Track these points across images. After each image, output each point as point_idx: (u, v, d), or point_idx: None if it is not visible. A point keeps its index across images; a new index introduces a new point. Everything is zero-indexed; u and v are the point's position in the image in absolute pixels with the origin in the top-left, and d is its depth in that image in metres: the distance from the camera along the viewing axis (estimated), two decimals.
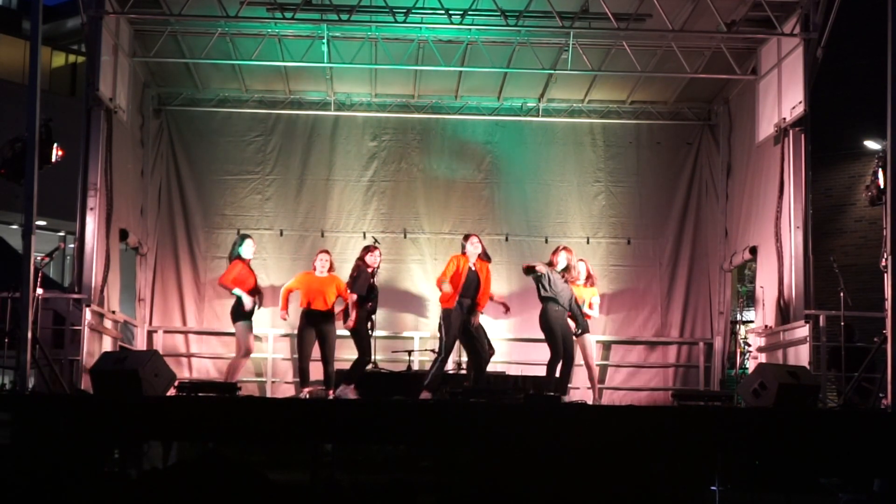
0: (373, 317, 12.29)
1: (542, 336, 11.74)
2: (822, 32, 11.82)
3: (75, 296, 11.37)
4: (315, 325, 12.07)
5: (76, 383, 10.83)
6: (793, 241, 11.99)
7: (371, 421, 9.32)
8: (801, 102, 11.96)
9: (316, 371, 12.28)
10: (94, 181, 11.79)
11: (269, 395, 13.68)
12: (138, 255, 14.09)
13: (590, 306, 12.64)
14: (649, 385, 14.30)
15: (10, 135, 10.27)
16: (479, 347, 11.59)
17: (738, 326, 14.91)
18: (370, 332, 12.22)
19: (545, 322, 11.63)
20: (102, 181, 11.89)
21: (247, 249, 12.44)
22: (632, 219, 14.72)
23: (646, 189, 14.78)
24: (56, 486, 8.80)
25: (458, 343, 11.98)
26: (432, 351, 12.21)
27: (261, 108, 14.75)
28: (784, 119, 12.34)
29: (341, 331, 12.32)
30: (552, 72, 13.65)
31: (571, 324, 11.86)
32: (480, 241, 11.79)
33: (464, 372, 12.08)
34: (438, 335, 11.73)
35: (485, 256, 11.77)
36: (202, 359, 14.08)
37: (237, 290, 12.15)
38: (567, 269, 11.83)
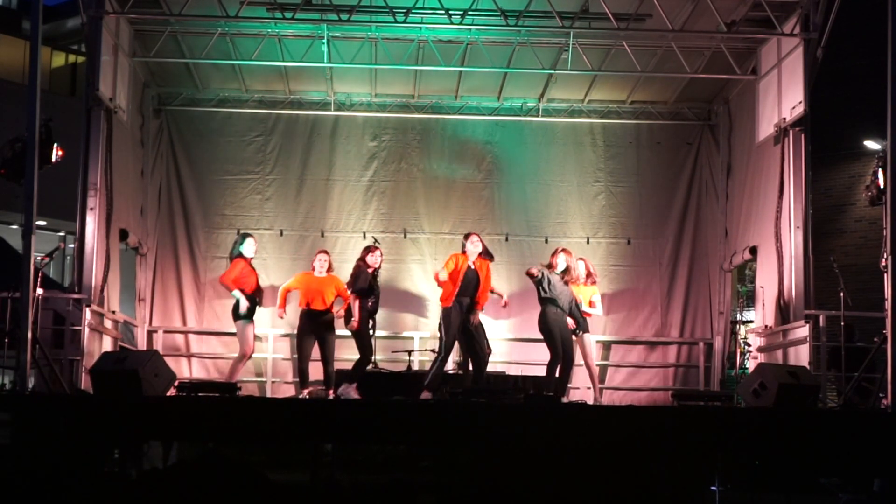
0: (374, 317, 12.29)
1: (542, 336, 11.76)
2: (822, 32, 11.83)
3: (75, 296, 11.37)
4: (314, 325, 12.08)
5: (76, 383, 10.83)
6: (793, 241, 11.99)
7: (371, 421, 9.32)
8: (801, 102, 11.96)
9: (316, 371, 12.30)
10: (94, 181, 11.79)
11: (269, 395, 13.68)
12: (138, 255, 14.09)
13: (590, 304, 12.64)
14: (649, 385, 14.30)
15: (10, 135, 10.27)
16: (478, 348, 11.58)
17: (738, 326, 14.91)
18: (371, 332, 12.22)
19: (544, 324, 11.68)
20: (102, 181, 11.90)
21: (248, 248, 12.46)
22: (632, 219, 14.72)
23: (646, 189, 14.78)
24: (56, 486, 8.79)
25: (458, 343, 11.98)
26: (432, 351, 12.21)
27: (261, 108, 14.75)
28: (784, 119, 12.35)
29: (340, 330, 12.33)
30: (552, 72, 13.65)
31: (571, 322, 11.87)
32: (481, 240, 11.78)
33: (461, 372, 12.07)
34: (438, 335, 11.73)
35: (486, 255, 11.76)
36: (202, 359, 14.08)
37: (236, 293, 12.16)
38: (566, 270, 11.85)
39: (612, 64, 13.65)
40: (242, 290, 12.22)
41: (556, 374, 11.61)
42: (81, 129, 11.89)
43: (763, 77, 13.16)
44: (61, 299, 11.41)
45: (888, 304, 9.55)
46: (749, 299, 16.10)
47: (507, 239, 14.50)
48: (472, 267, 11.59)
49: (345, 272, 12.62)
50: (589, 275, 12.71)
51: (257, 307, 12.49)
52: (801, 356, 11.27)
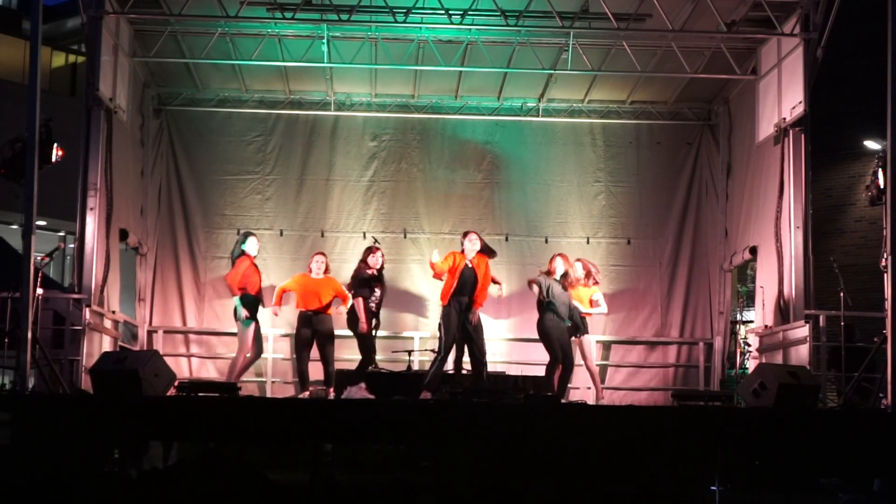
0: (377, 316, 12.27)
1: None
2: (822, 32, 11.83)
3: (75, 296, 11.37)
4: (311, 326, 12.10)
5: (76, 383, 10.83)
6: (793, 241, 11.99)
7: (371, 421, 9.32)
8: (801, 102, 11.96)
9: (317, 372, 12.30)
10: (94, 181, 11.79)
11: (269, 395, 13.68)
12: (138, 255, 14.09)
13: (591, 304, 12.65)
14: (649, 385, 14.30)
15: (10, 135, 10.27)
16: (476, 349, 11.55)
17: (738, 326, 14.90)
18: (374, 332, 12.22)
19: (542, 330, 11.81)
20: (102, 181, 11.90)
21: (251, 246, 12.46)
22: (632, 219, 14.72)
23: (646, 189, 14.77)
24: (56, 486, 8.79)
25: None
26: (432, 351, 12.21)
27: (261, 108, 14.75)
28: (784, 119, 12.34)
29: (339, 330, 12.34)
30: (552, 72, 13.65)
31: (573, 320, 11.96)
32: (480, 238, 11.77)
33: (464, 372, 12.07)
34: (438, 335, 11.73)
35: (486, 251, 11.74)
36: (202, 359, 14.08)
37: (237, 299, 12.14)
38: (565, 275, 11.90)
39: (612, 64, 13.65)
40: (246, 290, 12.22)
41: (556, 377, 11.67)
42: (81, 129, 11.89)
43: (763, 77, 13.16)
44: (61, 299, 11.41)
45: (888, 304, 9.55)
46: (749, 299, 16.09)
47: (507, 239, 14.49)
48: (470, 266, 11.59)
49: (345, 272, 12.61)
50: (588, 275, 12.72)
51: (260, 306, 12.48)
52: (801, 356, 11.27)
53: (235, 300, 12.23)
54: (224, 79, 14.47)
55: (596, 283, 12.89)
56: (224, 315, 13.82)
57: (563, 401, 10.99)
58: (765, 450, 9.33)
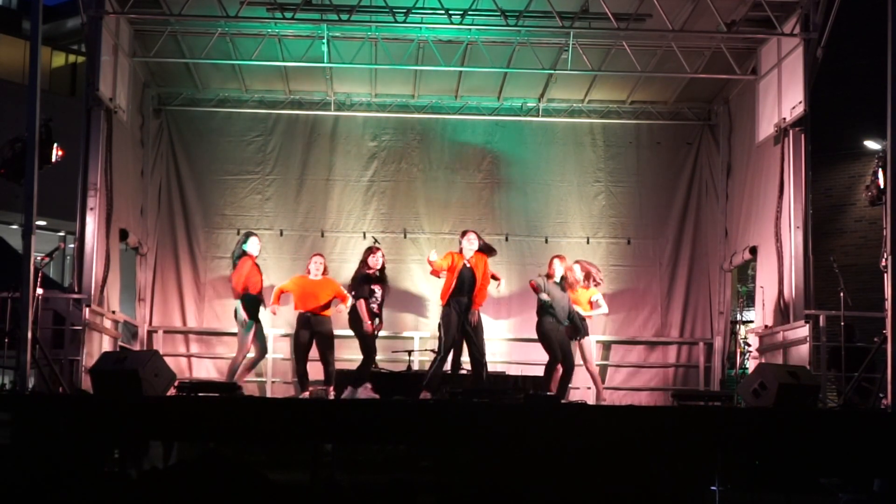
0: (379, 316, 12.25)
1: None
2: (822, 32, 11.82)
3: (75, 296, 11.37)
4: (309, 328, 12.10)
5: (76, 383, 10.83)
6: (793, 241, 11.99)
7: (371, 421, 9.32)
8: (800, 102, 11.96)
9: (317, 372, 12.29)
10: (94, 181, 11.79)
11: (269, 395, 13.68)
12: (138, 255, 14.09)
13: (590, 305, 12.64)
14: (649, 385, 14.30)
15: (10, 135, 10.27)
16: (476, 350, 11.54)
17: (738, 326, 14.89)
18: (376, 332, 12.21)
19: (540, 332, 11.86)
20: (102, 181, 11.90)
21: (253, 246, 12.44)
22: (632, 219, 14.71)
23: (646, 189, 14.77)
24: (56, 486, 8.79)
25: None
26: (432, 351, 12.21)
27: (261, 108, 14.75)
28: (784, 119, 12.34)
29: (338, 330, 12.33)
30: (552, 72, 13.64)
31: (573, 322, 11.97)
32: (478, 237, 11.72)
33: (463, 372, 12.07)
34: (438, 335, 11.73)
35: (486, 250, 11.69)
36: (202, 359, 14.08)
37: (238, 304, 12.12)
38: (564, 277, 11.93)
39: (612, 64, 13.65)
40: (248, 290, 12.20)
41: (555, 377, 11.69)
42: (81, 129, 11.89)
43: (763, 77, 13.16)
44: (61, 299, 11.41)
45: (888, 304, 9.55)
46: (749, 299, 16.09)
47: (507, 239, 14.48)
48: (468, 265, 11.56)
49: (345, 272, 12.59)
50: (588, 276, 12.69)
51: (262, 306, 12.47)
52: (801, 356, 11.27)
53: (237, 302, 12.21)
54: (224, 79, 14.47)
55: (597, 283, 12.87)
56: (224, 315, 13.82)
57: (563, 401, 10.98)
58: (765, 450, 9.33)
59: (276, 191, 14.54)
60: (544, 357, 11.91)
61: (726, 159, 14.49)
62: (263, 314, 12.50)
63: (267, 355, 13.50)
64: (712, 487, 10.44)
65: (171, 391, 10.21)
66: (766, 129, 12.93)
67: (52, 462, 8.87)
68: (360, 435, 9.60)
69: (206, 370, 13.97)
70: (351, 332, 12.26)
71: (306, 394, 12.11)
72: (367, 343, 12.02)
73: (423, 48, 13.29)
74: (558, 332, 11.81)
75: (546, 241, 14.43)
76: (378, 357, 12.79)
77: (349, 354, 12.75)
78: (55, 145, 10.17)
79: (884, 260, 9.64)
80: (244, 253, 12.38)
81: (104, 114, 11.97)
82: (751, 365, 12.71)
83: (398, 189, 14.65)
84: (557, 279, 11.94)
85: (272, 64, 13.73)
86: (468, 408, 9.76)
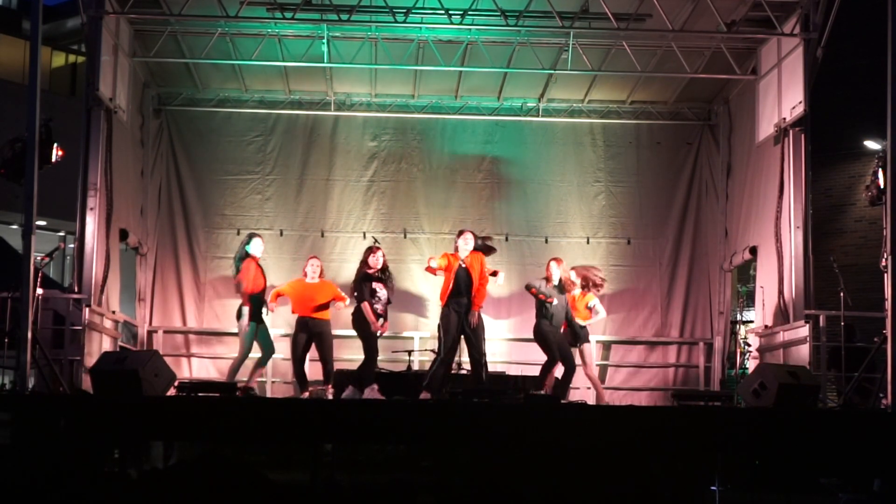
0: (384, 316, 12.22)
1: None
2: (822, 32, 11.83)
3: (75, 296, 11.37)
4: (307, 331, 12.06)
5: (76, 383, 10.83)
6: (793, 241, 12.00)
7: (371, 421, 9.32)
8: (801, 102, 11.96)
9: (316, 372, 12.28)
10: (94, 181, 11.80)
11: (269, 395, 13.67)
12: (138, 255, 14.09)
13: (588, 311, 12.58)
14: (649, 385, 14.31)
15: (10, 135, 10.27)
16: (475, 351, 11.51)
17: (738, 326, 14.90)
18: (381, 333, 12.18)
19: (538, 335, 11.88)
20: (102, 181, 11.90)
21: (256, 247, 12.36)
22: (632, 219, 14.72)
23: (646, 189, 14.78)
24: (56, 486, 8.79)
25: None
26: (432, 351, 12.20)
27: (261, 108, 14.75)
28: (784, 119, 12.34)
29: (338, 330, 12.32)
30: (552, 72, 13.65)
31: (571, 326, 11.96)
32: (475, 237, 11.59)
33: (462, 372, 12.06)
34: (438, 335, 11.71)
35: (483, 249, 11.58)
36: (202, 359, 14.08)
37: (245, 308, 12.06)
38: (561, 282, 11.94)
39: (612, 64, 13.65)
40: (252, 292, 12.15)
41: (556, 378, 11.69)
42: (81, 129, 11.89)
43: (763, 77, 13.16)
44: (61, 299, 11.40)
45: (888, 304, 9.55)
46: (749, 299, 16.09)
47: (507, 239, 14.47)
48: (464, 265, 11.44)
49: (345, 272, 12.58)
50: (586, 282, 12.58)
51: (265, 308, 12.44)
52: (801, 356, 11.27)
53: (243, 309, 12.09)
54: (224, 79, 14.47)
55: (599, 284, 12.75)
56: (224, 315, 13.82)
57: (563, 401, 10.99)
58: (765, 450, 9.33)
59: (276, 191, 14.54)
60: (544, 357, 11.91)
61: (726, 159, 14.49)
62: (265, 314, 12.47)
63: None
64: (712, 487, 10.45)
65: (171, 391, 10.20)
66: (766, 129, 12.94)
67: (52, 462, 8.87)
68: (360, 435, 9.60)
69: (206, 370, 13.97)
70: (352, 332, 12.22)
71: (306, 394, 12.11)
72: (371, 344, 11.98)
73: (423, 48, 13.30)
74: (555, 333, 11.82)
75: (546, 242, 14.43)
76: (378, 357, 12.78)
77: (349, 354, 12.75)
78: (55, 145, 10.17)
79: (884, 260, 9.63)
80: (247, 254, 12.28)
81: (104, 114, 11.97)
82: (751, 365, 12.71)
83: (398, 189, 14.66)
84: (556, 282, 11.94)
85: (272, 64, 13.74)
86: (468, 408, 9.75)
